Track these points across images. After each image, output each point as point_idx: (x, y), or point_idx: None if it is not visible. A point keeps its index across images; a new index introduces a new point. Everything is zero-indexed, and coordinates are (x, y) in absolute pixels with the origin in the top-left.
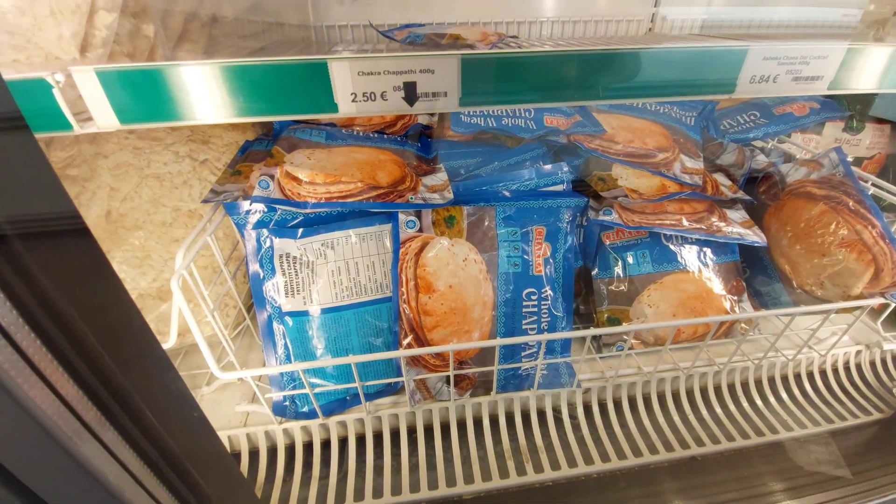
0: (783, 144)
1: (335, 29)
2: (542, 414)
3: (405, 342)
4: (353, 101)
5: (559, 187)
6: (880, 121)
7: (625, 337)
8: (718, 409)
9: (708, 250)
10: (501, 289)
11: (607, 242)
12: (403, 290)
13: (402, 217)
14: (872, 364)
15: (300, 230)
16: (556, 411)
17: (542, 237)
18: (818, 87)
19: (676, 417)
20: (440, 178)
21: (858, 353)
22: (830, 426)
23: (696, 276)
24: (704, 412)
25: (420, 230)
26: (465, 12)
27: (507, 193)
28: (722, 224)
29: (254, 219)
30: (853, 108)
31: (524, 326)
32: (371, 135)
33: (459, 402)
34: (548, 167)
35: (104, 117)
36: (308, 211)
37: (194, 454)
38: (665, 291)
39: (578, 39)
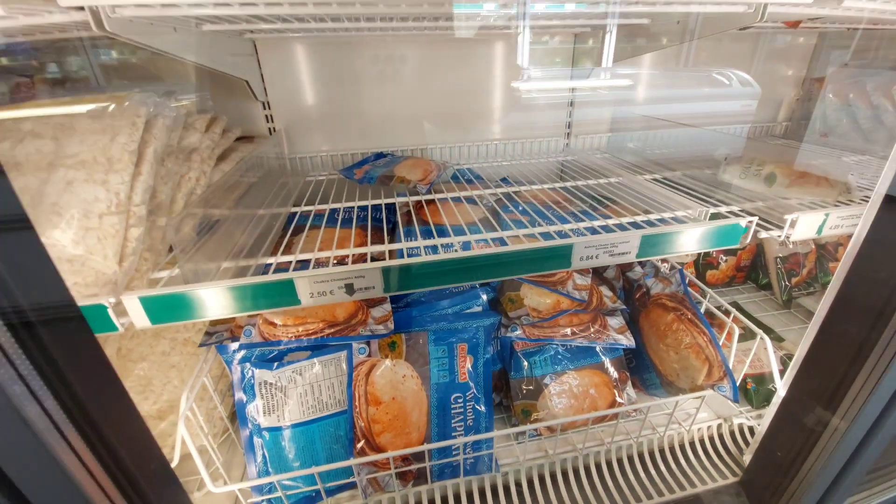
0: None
1: (307, 159)
2: (469, 494)
3: (358, 446)
4: (310, 297)
5: (477, 309)
6: None
7: (535, 428)
8: (609, 481)
9: (597, 349)
10: (434, 396)
11: (518, 349)
12: (356, 403)
13: (355, 346)
14: (731, 434)
15: (275, 363)
16: (482, 492)
17: (465, 351)
18: (628, 258)
19: (575, 489)
20: (385, 308)
21: (720, 425)
22: (695, 490)
23: (587, 372)
24: (597, 483)
25: (369, 355)
26: (417, 139)
27: (437, 319)
28: (601, 331)
29: (239, 356)
30: None
31: (454, 424)
32: None
33: (404, 491)
34: (468, 293)
35: (140, 321)
36: (282, 347)
37: None
38: (562, 386)
39: (511, 156)
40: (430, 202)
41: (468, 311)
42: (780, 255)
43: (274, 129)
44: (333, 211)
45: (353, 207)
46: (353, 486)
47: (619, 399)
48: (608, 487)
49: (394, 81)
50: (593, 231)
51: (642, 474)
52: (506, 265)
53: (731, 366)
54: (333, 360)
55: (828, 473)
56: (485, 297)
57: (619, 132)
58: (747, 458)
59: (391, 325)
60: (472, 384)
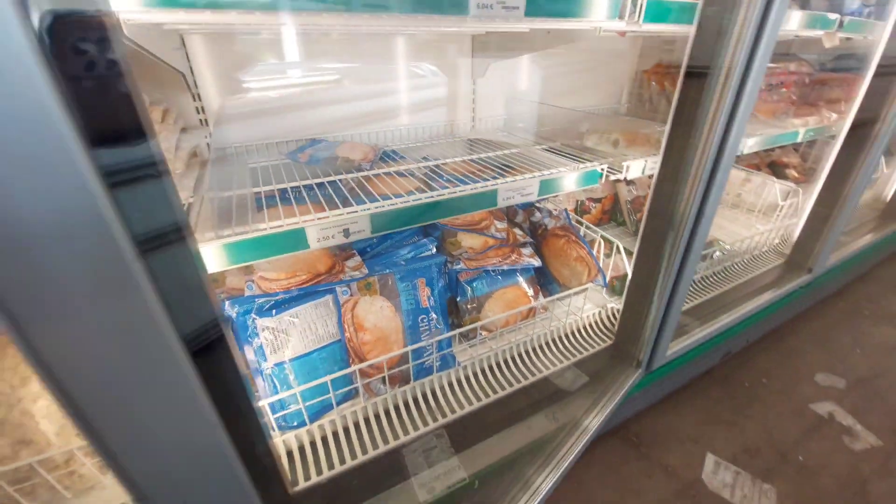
0: (549, 202)
1: (243, 147)
2: (441, 388)
3: (353, 364)
4: (317, 241)
5: (429, 253)
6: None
7: (479, 331)
8: (535, 360)
9: (517, 271)
10: (406, 320)
11: (462, 279)
12: (347, 333)
13: (338, 289)
14: (608, 316)
15: (274, 311)
16: (450, 385)
17: (424, 284)
18: (533, 198)
19: (514, 370)
20: (356, 260)
21: (599, 312)
22: (587, 353)
23: (512, 289)
24: (528, 363)
25: (351, 294)
26: (341, 126)
27: (400, 262)
28: (518, 258)
29: (241, 310)
30: None
31: (422, 338)
32: None
33: (392, 392)
34: (420, 241)
35: None
36: (279, 298)
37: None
38: (496, 301)
39: (424, 139)
40: (373, 178)
41: (422, 255)
42: (629, 200)
43: (205, 119)
44: (294, 189)
45: (311, 185)
46: (350, 396)
47: (533, 303)
48: (535, 364)
49: (316, 73)
50: None
51: (555, 351)
52: (455, 206)
53: (601, 265)
54: (323, 303)
55: (654, 325)
56: (432, 245)
57: (512, 114)
58: (617, 328)
59: (365, 270)
60: (431, 308)
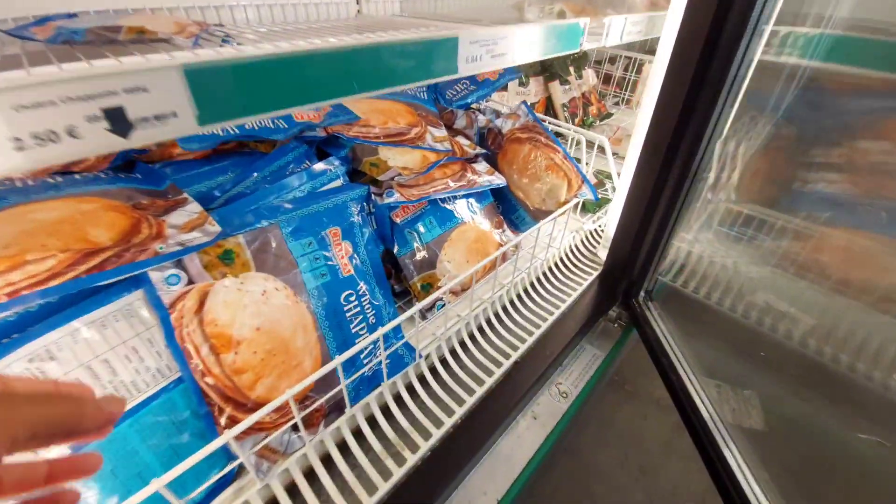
0: (490, 103)
1: None
2: (397, 398)
3: (223, 418)
4: (18, 149)
5: (337, 183)
6: (536, 75)
7: (440, 297)
8: (516, 316)
9: (472, 200)
10: (317, 304)
11: (398, 220)
12: (196, 360)
13: (155, 276)
14: (584, 240)
15: None
16: (409, 388)
17: (339, 237)
18: (506, 60)
19: (493, 337)
20: (191, 209)
21: (574, 236)
22: (578, 290)
23: (472, 224)
24: (507, 323)
25: (190, 282)
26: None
27: (286, 205)
28: (475, 177)
29: None
30: (522, 70)
31: (354, 330)
32: (52, 180)
33: (316, 439)
34: (318, 166)
35: None
36: None
37: None
38: (455, 245)
39: (291, 24)
40: None
41: (325, 188)
42: (565, 102)
43: None
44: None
45: None
46: (228, 481)
47: (501, 242)
48: (517, 322)
49: None
50: None
51: (538, 299)
52: (392, 64)
53: (585, 172)
54: (120, 312)
55: (646, 258)
56: (341, 167)
57: None
58: (602, 253)
59: (214, 228)
60: (358, 275)
